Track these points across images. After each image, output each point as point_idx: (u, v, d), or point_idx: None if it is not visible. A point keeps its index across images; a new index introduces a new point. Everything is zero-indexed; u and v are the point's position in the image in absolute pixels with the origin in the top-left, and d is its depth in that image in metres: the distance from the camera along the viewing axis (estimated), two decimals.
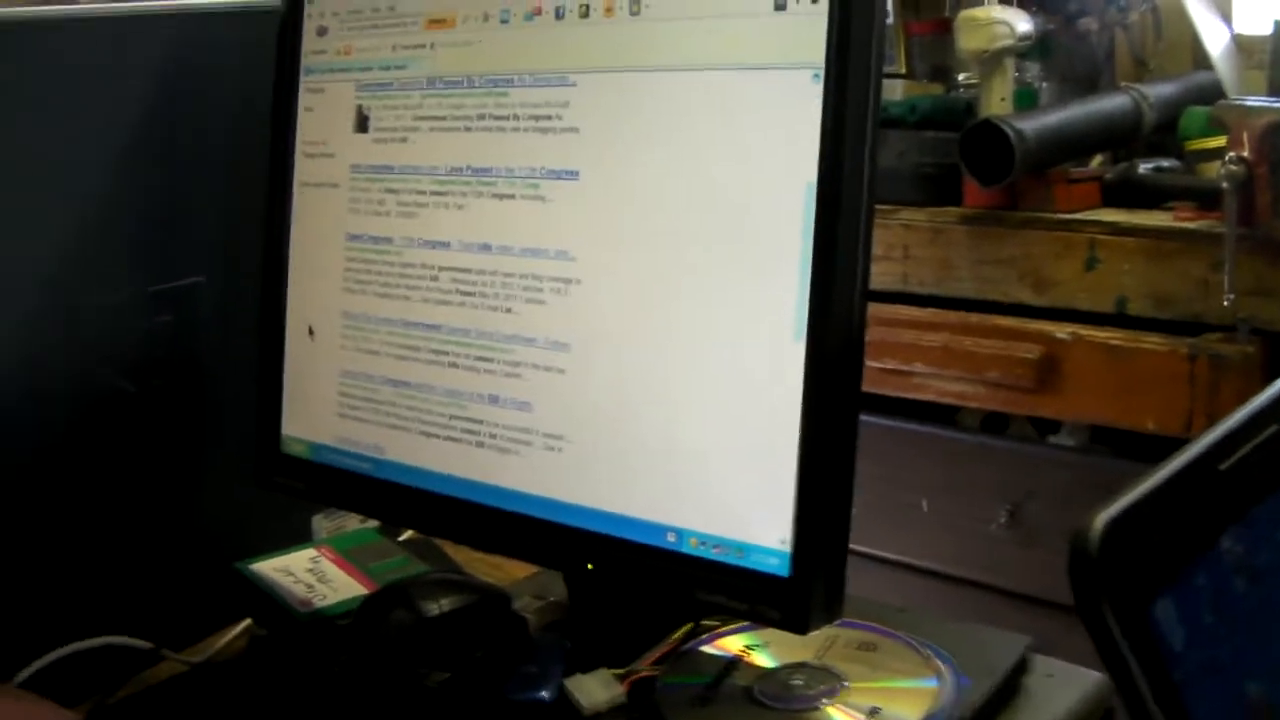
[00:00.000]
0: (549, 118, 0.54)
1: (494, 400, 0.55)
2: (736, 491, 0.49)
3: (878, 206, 0.47)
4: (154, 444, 0.64)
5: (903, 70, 1.40)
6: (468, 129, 0.56)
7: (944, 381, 1.14)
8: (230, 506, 0.66)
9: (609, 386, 0.52)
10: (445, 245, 0.57)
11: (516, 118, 0.55)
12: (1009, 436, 1.18)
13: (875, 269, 0.49)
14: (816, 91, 0.47)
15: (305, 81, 0.63)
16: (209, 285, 0.64)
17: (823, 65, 0.46)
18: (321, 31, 0.62)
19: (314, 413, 0.62)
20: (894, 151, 1.18)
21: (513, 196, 0.55)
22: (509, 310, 0.55)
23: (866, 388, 0.48)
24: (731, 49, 0.49)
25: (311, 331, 0.62)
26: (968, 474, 1.16)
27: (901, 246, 1.17)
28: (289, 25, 0.63)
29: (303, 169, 0.63)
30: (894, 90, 1.34)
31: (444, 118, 0.57)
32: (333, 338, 0.61)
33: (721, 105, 0.49)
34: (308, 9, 0.63)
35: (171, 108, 0.63)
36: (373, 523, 0.70)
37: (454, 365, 0.57)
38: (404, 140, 0.59)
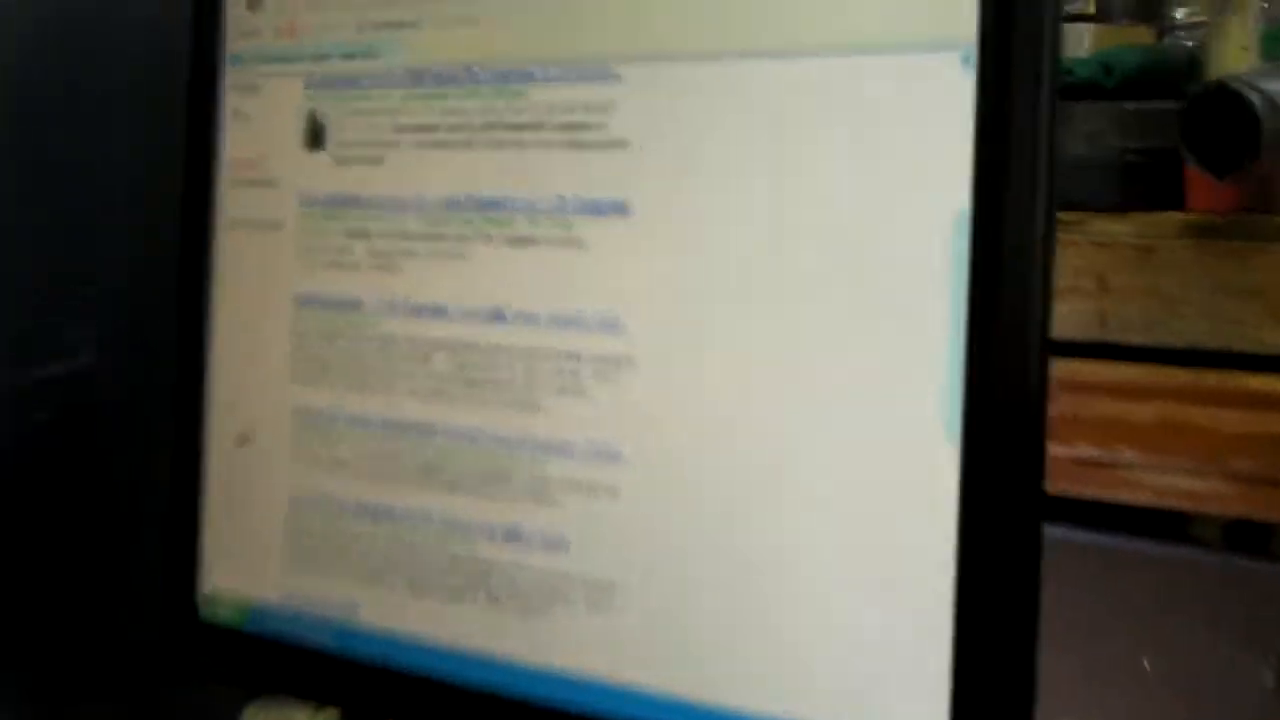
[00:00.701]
0: (586, 126, 0.55)
1: (514, 536, 0.57)
2: (864, 667, 0.49)
3: (1058, 214, 0.48)
4: (18, 601, 0.64)
5: (1091, 9, 1.41)
6: (469, 144, 0.58)
7: (1167, 475, 1.13)
8: (122, 697, 0.68)
9: (678, 514, 0.53)
10: (441, 312, 0.59)
11: (539, 127, 0.56)
12: (1272, 555, 1.17)
13: (1057, 308, 0.51)
14: (967, 81, 0.47)
15: (232, 74, 0.65)
16: (104, 370, 0.66)
17: (975, 41, 0.47)
18: (254, 3, 0.64)
19: (250, 558, 0.63)
20: (1080, 132, 1.18)
21: (535, 241, 0.56)
22: (534, 405, 0.56)
23: (1052, 485, 0.49)
24: (843, 23, 0.50)
25: (246, 438, 0.64)
26: (1210, 612, 1.15)
27: (1094, 275, 1.17)
28: None
29: (231, 201, 0.64)
30: (1079, 41, 1.34)
31: (435, 127, 0.59)
32: (278, 447, 0.63)
33: (829, 106, 0.50)
34: None
35: (46, 109, 0.65)
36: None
37: (455, 486, 0.58)
38: (377, 161, 0.61)
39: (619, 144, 0.55)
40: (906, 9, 0.49)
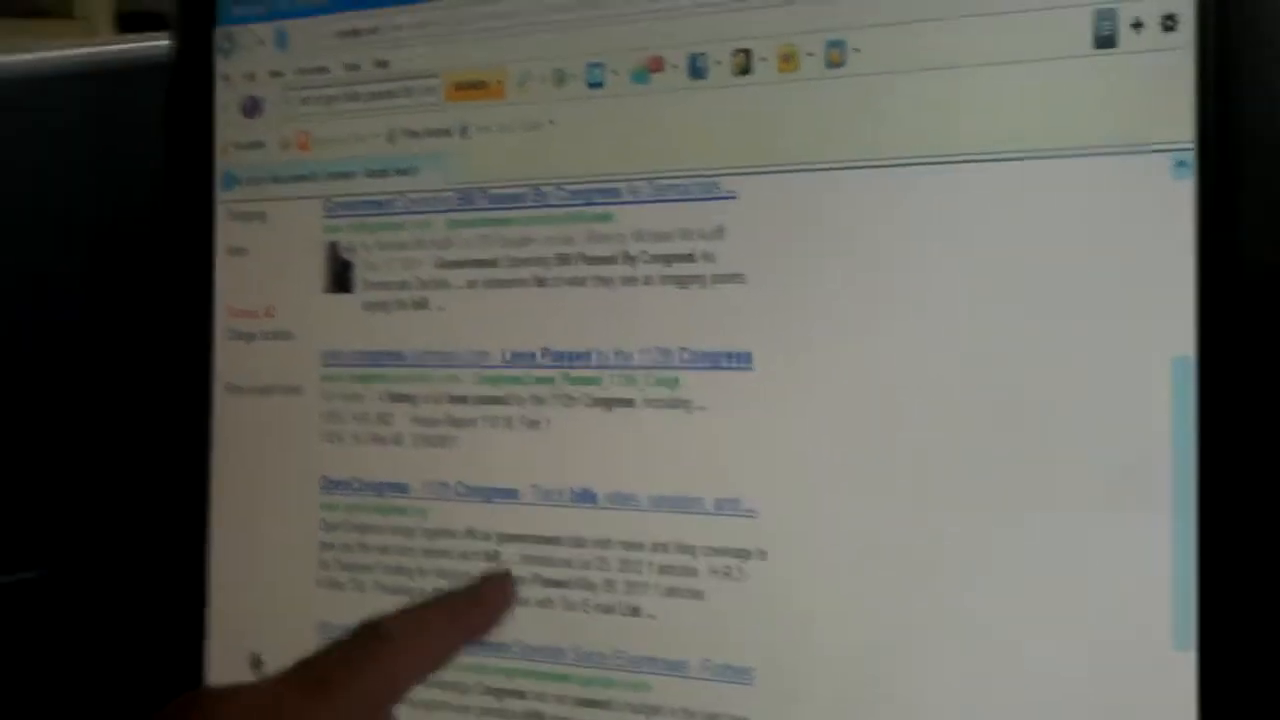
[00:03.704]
0: (690, 258, 0.53)
1: None
2: None
3: None
4: None
5: None
6: (540, 282, 0.56)
7: None
8: None
9: None
10: (510, 495, 0.56)
11: (630, 259, 0.55)
12: None
13: None
14: (1184, 191, 0.46)
15: (226, 200, 0.63)
16: (54, 583, 0.64)
17: (1192, 143, 0.46)
18: (252, 107, 0.63)
19: None
20: None
21: (631, 403, 0.54)
22: (635, 612, 0.54)
23: None
24: (1016, 120, 0.48)
25: (259, 662, 0.61)
26: None
27: None
28: (186, 94, 0.64)
29: (230, 360, 0.62)
30: None
31: (493, 262, 0.57)
32: None
33: (1002, 223, 0.48)
34: (222, 66, 0.63)
35: None
36: None
37: (536, 717, 0.55)
38: (420, 305, 0.58)
39: (735, 278, 0.53)
40: (1099, 105, 0.47)
